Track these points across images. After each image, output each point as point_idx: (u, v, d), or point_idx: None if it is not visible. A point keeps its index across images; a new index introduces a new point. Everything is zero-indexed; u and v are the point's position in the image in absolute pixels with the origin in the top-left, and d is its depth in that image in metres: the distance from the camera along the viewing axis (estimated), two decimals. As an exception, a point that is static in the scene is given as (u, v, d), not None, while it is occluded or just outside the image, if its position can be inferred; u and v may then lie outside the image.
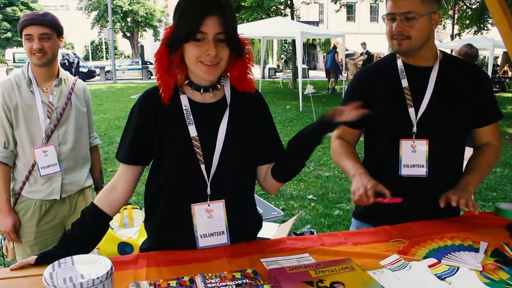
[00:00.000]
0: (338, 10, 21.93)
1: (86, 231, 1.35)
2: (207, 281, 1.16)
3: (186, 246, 1.36)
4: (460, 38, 18.19)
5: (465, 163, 1.73)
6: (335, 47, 16.87)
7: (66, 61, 22.41)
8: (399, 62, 1.68)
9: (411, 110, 1.62)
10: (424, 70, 1.65)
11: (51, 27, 2.02)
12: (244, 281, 1.16)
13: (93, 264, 1.11)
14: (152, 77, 25.60)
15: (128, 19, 37.01)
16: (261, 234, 2.64)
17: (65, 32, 2.15)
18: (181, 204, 1.37)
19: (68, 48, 34.75)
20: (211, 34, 1.23)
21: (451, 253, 1.31)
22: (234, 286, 1.13)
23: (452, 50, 14.38)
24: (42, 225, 2.13)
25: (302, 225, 4.02)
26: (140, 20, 37.04)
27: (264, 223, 2.79)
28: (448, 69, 1.65)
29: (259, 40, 18.51)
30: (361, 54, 16.91)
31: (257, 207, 3.20)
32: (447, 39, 22.09)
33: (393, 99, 1.65)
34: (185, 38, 1.24)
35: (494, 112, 1.71)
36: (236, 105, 1.39)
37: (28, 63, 2.09)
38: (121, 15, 35.82)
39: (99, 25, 36.53)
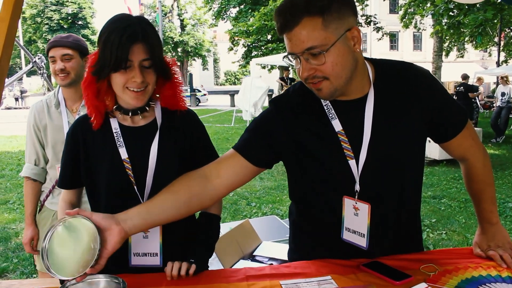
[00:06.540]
0: (380, 39, 22.59)
1: None
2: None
3: (119, 263, 1.31)
4: (507, 64, 17.30)
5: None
6: None
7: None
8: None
9: (352, 163, 1.23)
10: (357, 103, 1.24)
11: (73, 47, 2.06)
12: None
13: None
14: (200, 104, 26.29)
15: (179, 49, 38.82)
16: (279, 255, 2.58)
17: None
18: None
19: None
20: (136, 61, 1.24)
21: (487, 284, 1.21)
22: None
23: (497, 77, 13.77)
24: None
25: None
26: (189, 50, 38.76)
27: (282, 244, 2.73)
28: (385, 90, 1.26)
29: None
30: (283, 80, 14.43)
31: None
32: (493, 65, 21.21)
33: (325, 148, 1.25)
34: (113, 67, 1.23)
35: (457, 119, 1.33)
36: (167, 126, 1.41)
37: (59, 85, 2.19)
38: (172, 45, 37.63)
39: (152, 55, 38.65)
